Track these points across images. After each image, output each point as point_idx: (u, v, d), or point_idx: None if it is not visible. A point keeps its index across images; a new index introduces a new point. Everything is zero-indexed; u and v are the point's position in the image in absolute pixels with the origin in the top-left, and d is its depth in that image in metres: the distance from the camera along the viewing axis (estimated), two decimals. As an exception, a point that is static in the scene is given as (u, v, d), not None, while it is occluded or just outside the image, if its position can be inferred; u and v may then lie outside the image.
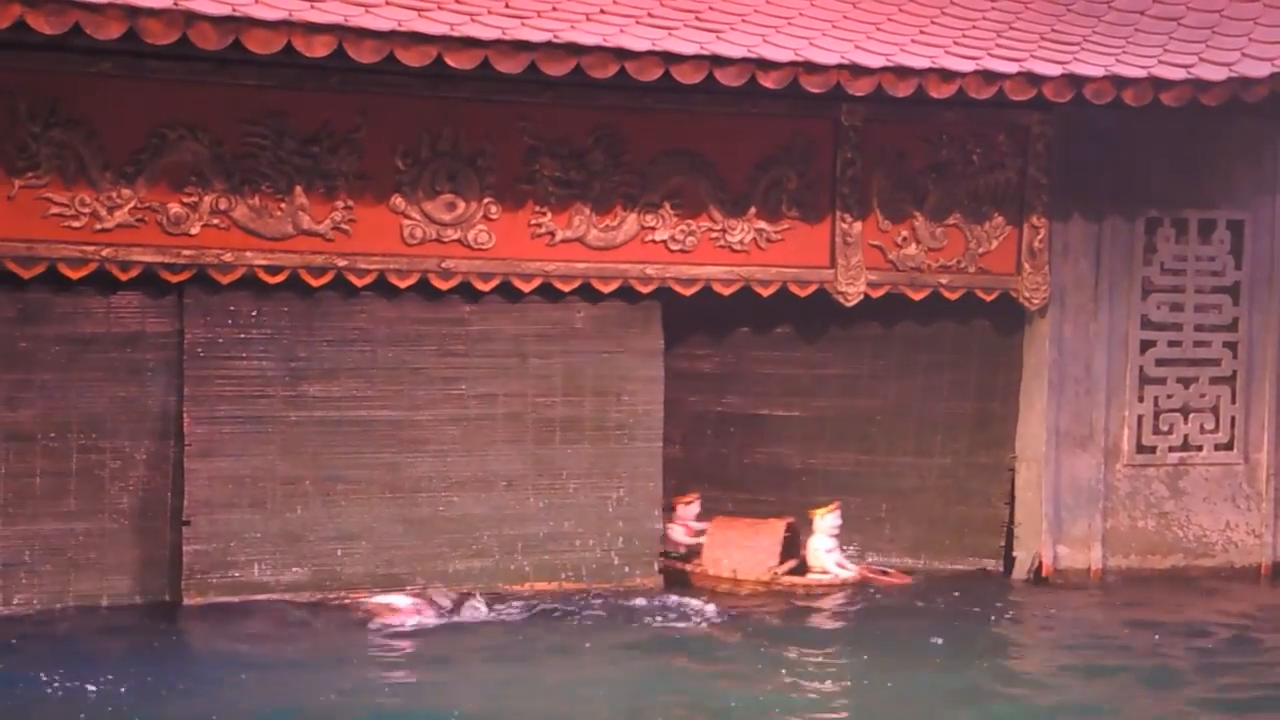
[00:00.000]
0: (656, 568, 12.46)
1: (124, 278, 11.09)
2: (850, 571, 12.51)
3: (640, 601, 11.69)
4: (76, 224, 10.89)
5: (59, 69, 10.71)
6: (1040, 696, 9.73)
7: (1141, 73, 11.78)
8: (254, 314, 11.55)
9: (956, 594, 12.29)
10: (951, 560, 13.19)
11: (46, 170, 10.80)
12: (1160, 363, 13.23)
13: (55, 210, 10.84)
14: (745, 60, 11.14)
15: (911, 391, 13.17)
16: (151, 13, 10.00)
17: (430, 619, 11.26)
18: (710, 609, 11.49)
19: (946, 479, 13.26)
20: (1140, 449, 13.22)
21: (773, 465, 13.15)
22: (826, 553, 12.49)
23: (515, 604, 11.62)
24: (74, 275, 10.97)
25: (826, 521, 12.50)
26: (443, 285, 11.70)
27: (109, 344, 11.34)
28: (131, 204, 10.99)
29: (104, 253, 10.96)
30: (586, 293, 12.08)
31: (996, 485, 13.27)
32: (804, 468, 13.22)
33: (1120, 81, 11.73)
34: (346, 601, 11.51)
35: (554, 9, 11.22)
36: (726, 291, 12.27)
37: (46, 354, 11.21)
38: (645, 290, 12.14)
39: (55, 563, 11.27)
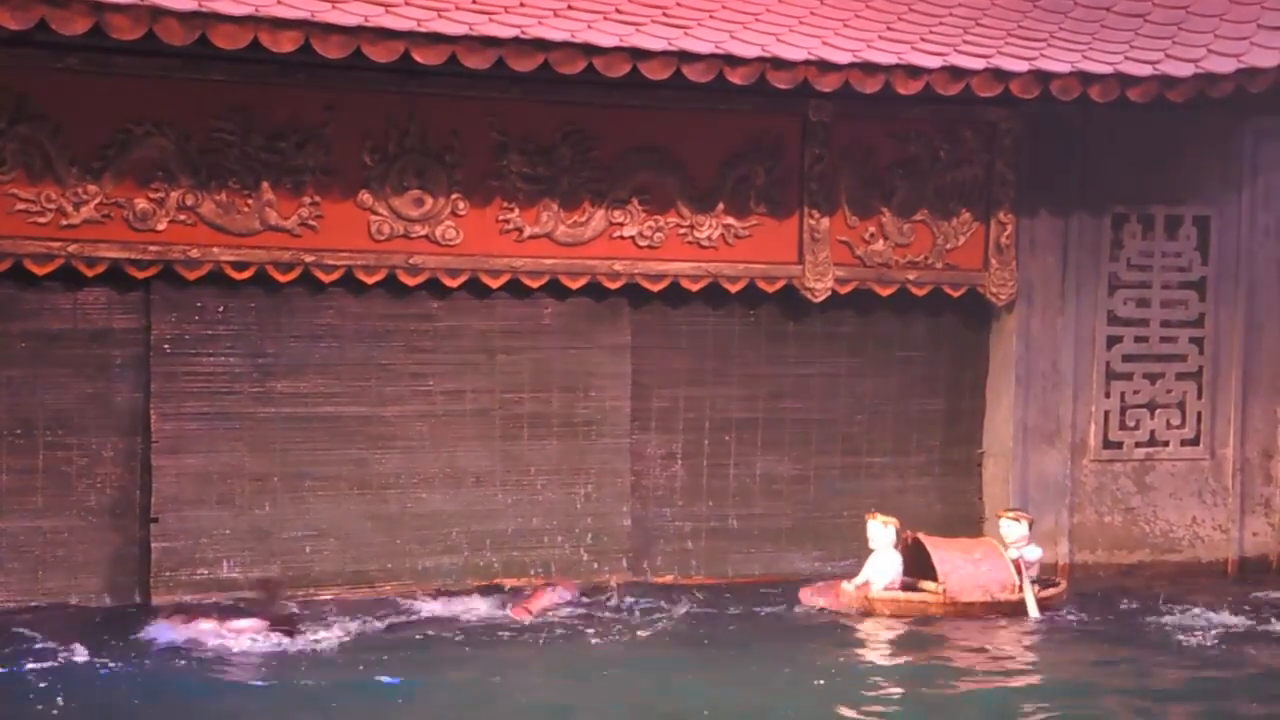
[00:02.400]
0: (624, 563, 12.46)
1: (90, 274, 11.06)
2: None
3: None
4: (42, 220, 10.85)
5: (25, 64, 10.66)
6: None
7: (1108, 69, 11.83)
8: (221, 310, 11.53)
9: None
10: None
11: (12, 166, 10.75)
12: (1127, 358, 13.28)
13: (21, 206, 10.80)
14: (713, 56, 11.15)
15: (887, 389, 13.16)
16: (117, 8, 9.96)
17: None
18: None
19: (924, 477, 13.26)
20: (1107, 444, 13.27)
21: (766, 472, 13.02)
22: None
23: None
24: (40, 271, 10.94)
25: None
26: (410, 281, 11.69)
27: (75, 340, 11.31)
28: (98, 200, 10.95)
29: (70, 249, 10.92)
30: (554, 289, 12.08)
31: (970, 482, 13.31)
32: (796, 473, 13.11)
33: (1086, 78, 11.78)
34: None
35: (521, 4, 11.20)
36: (694, 288, 12.29)
37: (12, 350, 11.16)
38: (613, 286, 12.14)
39: (23, 560, 11.23)
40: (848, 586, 11.68)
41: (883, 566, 11.72)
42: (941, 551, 11.64)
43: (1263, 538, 13.60)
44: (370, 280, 11.61)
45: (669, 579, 12.58)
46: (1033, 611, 11.53)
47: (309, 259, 11.41)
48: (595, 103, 11.78)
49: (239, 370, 11.62)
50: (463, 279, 11.80)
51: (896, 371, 13.14)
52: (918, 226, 12.66)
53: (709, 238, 12.22)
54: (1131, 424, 13.32)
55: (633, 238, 12.07)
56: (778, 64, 11.29)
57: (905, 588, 11.73)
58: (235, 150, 11.19)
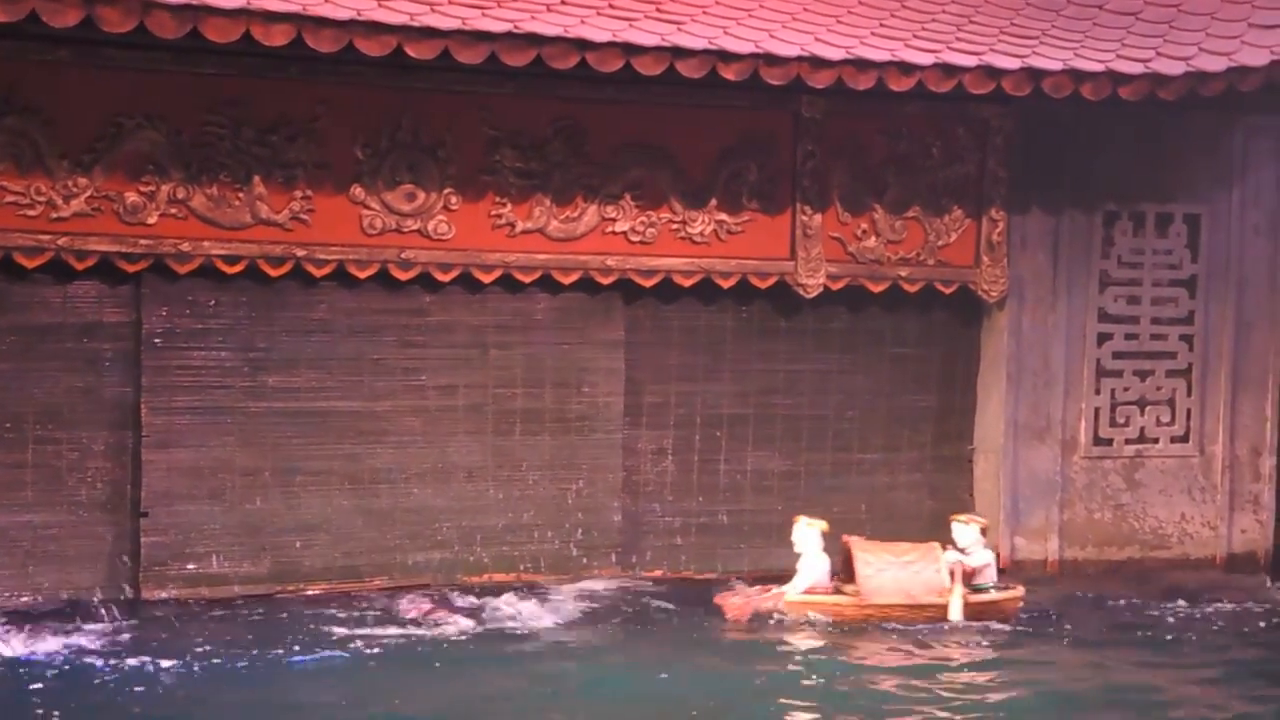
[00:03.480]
0: (614, 558, 12.46)
1: (80, 267, 11.02)
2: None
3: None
4: (32, 213, 10.81)
5: (15, 56, 10.62)
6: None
7: (1100, 67, 11.85)
8: (212, 304, 11.50)
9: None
10: None
11: (1, 159, 10.71)
12: (1117, 355, 13.31)
13: (10, 199, 10.76)
14: (706, 52, 11.15)
15: (879, 386, 13.17)
16: (109, 0, 9.93)
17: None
18: None
19: (915, 473, 13.28)
20: (1097, 441, 13.30)
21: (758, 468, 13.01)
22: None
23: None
24: (29, 264, 10.89)
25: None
26: (402, 276, 11.67)
27: (65, 334, 11.27)
28: (88, 193, 10.91)
29: (60, 242, 10.88)
30: (547, 284, 12.07)
31: (961, 478, 13.33)
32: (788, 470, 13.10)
33: (1079, 75, 11.79)
34: None
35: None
36: (687, 283, 12.28)
37: (2, 344, 11.12)
38: (606, 282, 12.13)
39: (13, 555, 11.19)
40: (794, 592, 11.38)
41: (807, 569, 11.44)
42: (867, 554, 11.32)
43: (1251, 534, 13.64)
44: (362, 275, 11.58)
45: (658, 574, 12.58)
46: (954, 615, 11.20)
47: (300, 253, 11.38)
48: (588, 98, 11.76)
49: (230, 364, 11.59)
50: (455, 274, 11.78)
51: (888, 368, 13.15)
52: (910, 223, 12.66)
53: (702, 234, 12.21)
54: (1122, 421, 13.34)
55: (625, 233, 12.05)
56: (771, 60, 11.28)
57: (836, 592, 11.44)
58: (227, 144, 11.16)
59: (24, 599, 11.11)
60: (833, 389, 13.04)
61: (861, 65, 11.49)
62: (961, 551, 11.50)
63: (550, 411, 12.31)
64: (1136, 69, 11.89)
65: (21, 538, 11.21)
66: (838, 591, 11.43)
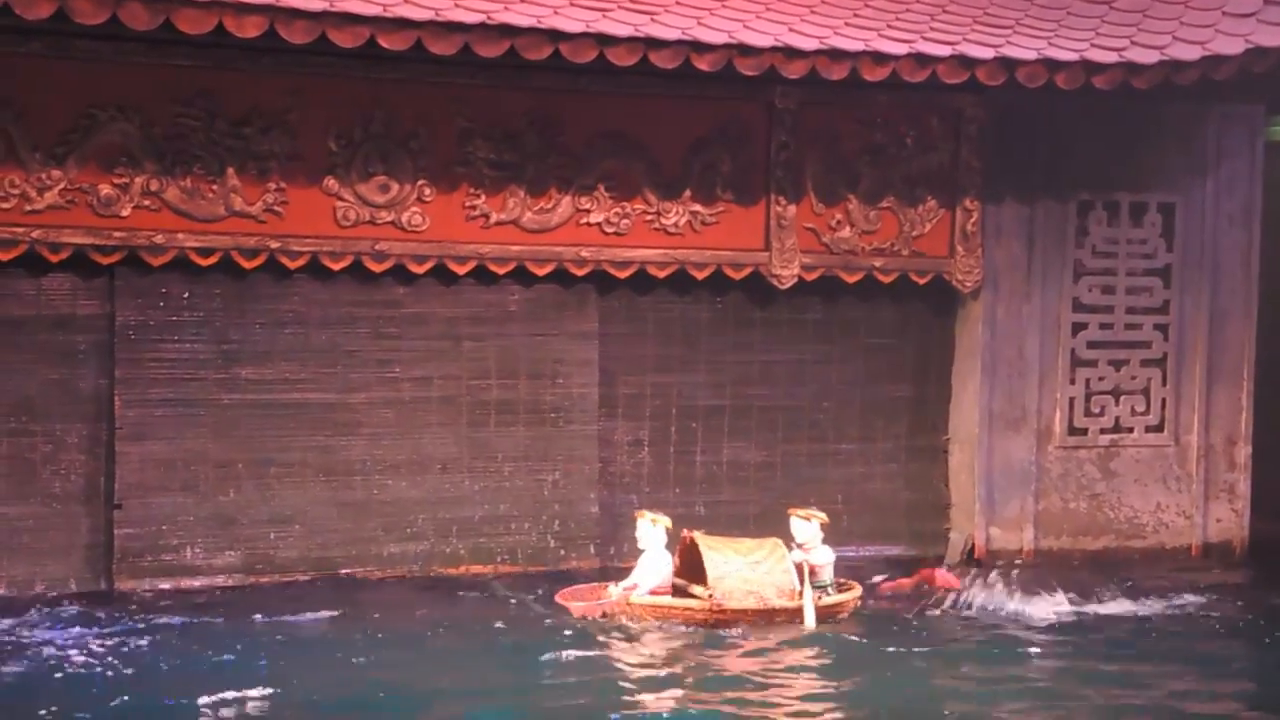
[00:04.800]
0: (592, 549, 12.47)
1: (54, 259, 11.02)
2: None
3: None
4: (6, 205, 10.81)
5: (-13, 49, 10.62)
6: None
7: (1074, 56, 11.86)
8: (186, 296, 11.50)
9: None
10: (904, 546, 13.22)
11: (-26, 151, 10.71)
12: (1092, 345, 13.32)
13: (-16, 191, 10.76)
14: (679, 43, 11.15)
15: (854, 376, 13.18)
16: (81, -8, 9.94)
17: None
18: None
19: (890, 464, 13.29)
20: (1072, 431, 13.31)
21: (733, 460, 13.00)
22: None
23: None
24: (3, 257, 10.89)
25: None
26: (376, 267, 11.66)
27: (39, 326, 11.26)
28: (62, 185, 10.91)
29: (34, 234, 10.87)
30: (521, 275, 12.07)
31: (935, 468, 13.35)
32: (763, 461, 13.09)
33: (1052, 65, 11.80)
34: None
35: (487, -10, 11.20)
36: (661, 274, 12.29)
37: (-25, 336, 11.14)
38: (580, 273, 12.13)
39: (-14, 547, 11.21)
40: (614, 589, 11.03)
41: (651, 568, 11.07)
42: (716, 553, 10.73)
43: (1226, 523, 13.67)
44: (336, 266, 11.58)
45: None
46: (809, 622, 10.63)
47: (274, 245, 11.37)
48: (562, 89, 11.77)
49: (204, 356, 11.59)
50: (429, 265, 11.78)
51: (863, 358, 13.17)
52: (884, 213, 12.67)
53: (676, 225, 12.22)
54: (1096, 410, 13.36)
55: (599, 224, 12.06)
56: (744, 50, 11.29)
57: (676, 591, 10.98)
58: (200, 136, 11.15)
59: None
60: (808, 380, 13.05)
61: (835, 55, 11.50)
62: (801, 548, 11.05)
63: (525, 403, 12.32)
64: (1110, 58, 11.90)
65: (-5, 529, 11.23)
66: (677, 590, 10.94)
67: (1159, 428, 13.49)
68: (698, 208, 12.25)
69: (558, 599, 11.04)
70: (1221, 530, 13.65)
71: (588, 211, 12.02)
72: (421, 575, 11.98)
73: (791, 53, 11.40)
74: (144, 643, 9.94)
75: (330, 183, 11.45)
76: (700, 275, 12.37)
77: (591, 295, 12.37)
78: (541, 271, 12.04)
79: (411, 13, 10.61)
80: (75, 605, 10.86)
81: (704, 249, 12.30)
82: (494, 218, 11.82)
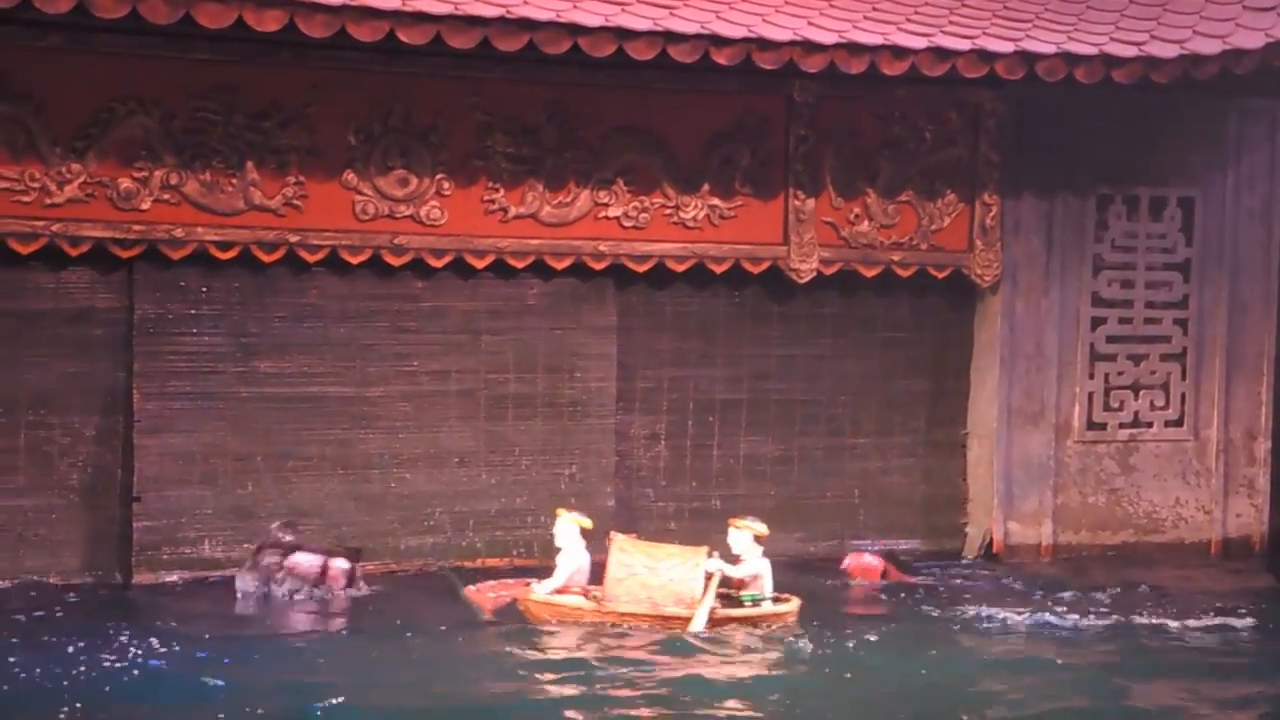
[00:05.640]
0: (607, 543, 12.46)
1: (74, 253, 11.03)
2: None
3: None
4: (26, 199, 10.82)
5: (7, 43, 10.64)
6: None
7: (1093, 50, 11.83)
8: (204, 290, 11.50)
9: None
10: (921, 540, 13.20)
11: (-5, 145, 10.73)
12: (1111, 340, 13.30)
13: (4, 185, 10.77)
14: (698, 36, 11.14)
15: (872, 370, 13.16)
16: (101, -14, 9.95)
17: None
18: None
19: (908, 458, 13.27)
20: (1091, 425, 13.29)
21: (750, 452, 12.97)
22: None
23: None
24: (23, 250, 10.90)
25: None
26: (395, 261, 11.67)
27: (58, 319, 11.28)
28: (81, 179, 10.92)
29: (54, 228, 10.89)
30: (539, 269, 12.06)
31: (954, 463, 13.33)
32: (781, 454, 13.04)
33: (1072, 59, 11.77)
34: None
35: (507, -17, 11.19)
36: (680, 268, 12.28)
37: (-5, 329, 11.15)
38: (598, 267, 12.13)
39: (4, 539, 11.21)
40: (538, 587, 10.65)
41: (563, 567, 10.75)
42: (625, 556, 10.42)
43: (1246, 518, 13.64)
44: (355, 260, 11.59)
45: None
46: (694, 625, 10.21)
47: (293, 239, 11.38)
48: (580, 83, 11.76)
49: (222, 350, 11.60)
50: (447, 259, 11.78)
51: (881, 353, 13.14)
52: (903, 208, 12.65)
53: (694, 218, 12.21)
54: (1115, 405, 13.34)
55: (618, 218, 12.05)
56: (763, 44, 11.28)
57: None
58: (219, 129, 11.16)
59: (12, 583, 11.12)
60: (826, 374, 13.04)
61: (854, 49, 11.48)
62: (735, 558, 10.67)
63: (542, 397, 12.32)
64: (1130, 52, 11.87)
65: (13, 522, 11.24)
66: (585, 594, 10.64)
67: (1178, 422, 13.47)
68: (716, 201, 12.24)
69: (467, 593, 10.83)
70: (1241, 525, 13.62)
71: (606, 205, 12.02)
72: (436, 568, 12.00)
73: (810, 46, 11.39)
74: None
75: (349, 176, 11.45)
76: (718, 269, 12.36)
77: (610, 289, 12.36)
78: (560, 265, 12.04)
79: (431, 6, 10.61)
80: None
81: (722, 243, 12.29)
82: (512, 211, 11.82)
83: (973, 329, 13.24)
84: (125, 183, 11.01)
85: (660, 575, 10.36)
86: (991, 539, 13.08)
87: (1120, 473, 13.37)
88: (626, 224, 12.07)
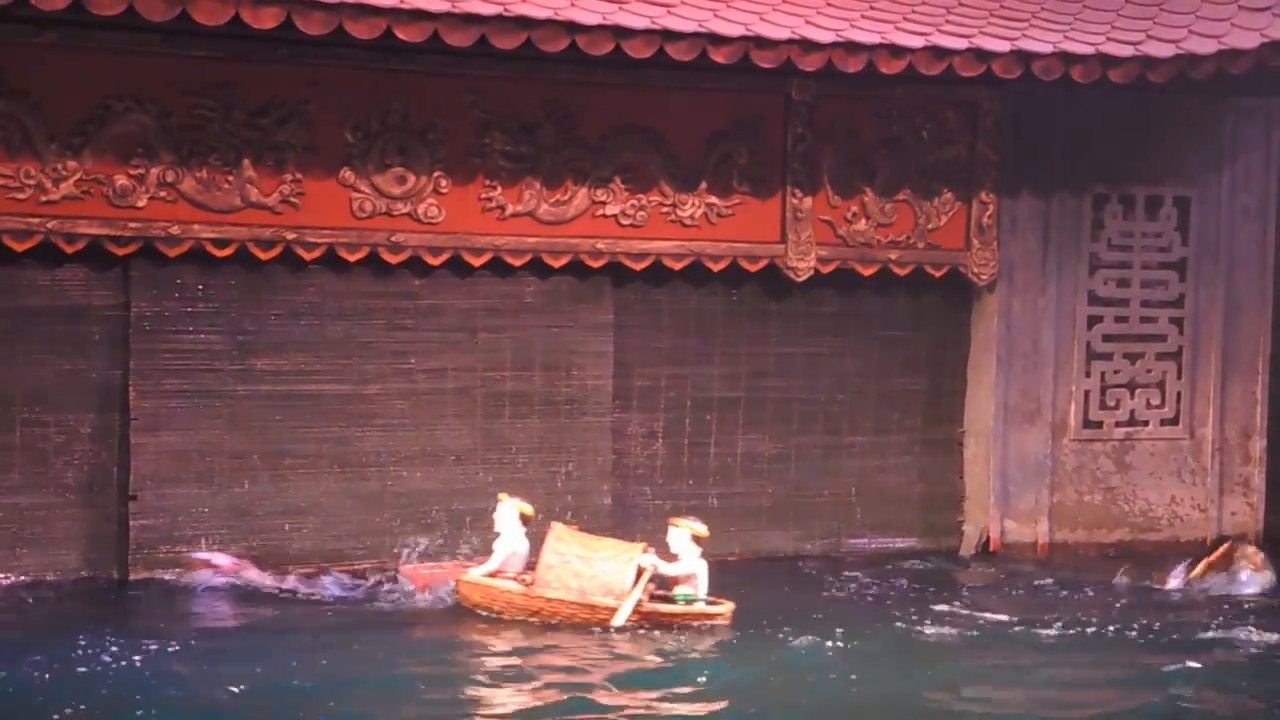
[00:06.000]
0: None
1: (70, 250, 10.99)
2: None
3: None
4: (21, 196, 10.79)
5: (4, 39, 10.61)
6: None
7: (1089, 49, 11.84)
8: (201, 287, 11.48)
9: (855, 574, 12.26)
10: (918, 538, 13.21)
11: (-9, 142, 10.69)
12: (1107, 338, 13.32)
13: (0, 182, 10.72)
14: (696, 35, 11.14)
15: (869, 369, 13.16)
16: (98, -17, 9.93)
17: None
18: None
19: (905, 456, 13.28)
20: (1087, 424, 13.32)
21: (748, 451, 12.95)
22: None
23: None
24: (18, 247, 10.86)
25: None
26: (392, 259, 11.65)
27: (54, 317, 11.25)
28: (77, 176, 10.89)
29: (49, 225, 10.86)
30: (537, 267, 12.05)
31: (950, 461, 13.34)
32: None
33: (1068, 58, 11.79)
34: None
35: (504, -19, 11.18)
36: (677, 266, 12.27)
37: (-10, 326, 11.12)
38: (595, 265, 12.12)
39: (0, 537, 11.17)
40: (474, 573, 10.70)
41: (499, 551, 10.80)
42: (561, 544, 10.46)
43: (1241, 517, 13.67)
44: (352, 258, 11.57)
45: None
46: (616, 619, 10.21)
47: (290, 236, 11.36)
48: (578, 81, 11.75)
49: (219, 348, 11.57)
50: (445, 257, 11.76)
51: (878, 351, 13.15)
52: (900, 206, 12.66)
53: (692, 217, 12.20)
54: (1111, 404, 13.36)
55: (615, 216, 12.04)
56: (761, 43, 11.28)
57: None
58: (216, 127, 11.14)
59: (9, 580, 11.10)
60: (823, 372, 13.04)
61: (852, 48, 11.49)
62: (673, 557, 10.62)
63: (539, 395, 12.30)
64: (1126, 51, 11.90)
65: (9, 520, 11.21)
66: (519, 579, 10.65)
67: (1174, 421, 13.49)
68: (714, 200, 12.24)
69: (401, 570, 10.97)
70: (1236, 524, 13.64)
71: (604, 203, 12.01)
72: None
73: (808, 45, 11.40)
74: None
75: (347, 174, 11.43)
76: (716, 267, 12.36)
77: (607, 287, 12.35)
78: (557, 263, 12.03)
79: (428, 4, 10.59)
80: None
81: (720, 241, 12.29)
82: (510, 209, 11.81)
83: (969, 327, 13.25)
84: (121, 180, 10.98)
85: (593, 566, 10.39)
86: (988, 537, 13.09)
87: (1116, 471, 13.39)
88: (624, 222, 12.06)
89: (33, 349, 11.23)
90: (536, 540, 10.85)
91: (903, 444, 13.26)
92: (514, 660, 9.82)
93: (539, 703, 8.85)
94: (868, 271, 12.68)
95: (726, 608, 10.59)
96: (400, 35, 10.58)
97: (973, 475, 13.25)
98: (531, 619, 10.46)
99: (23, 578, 11.16)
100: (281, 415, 11.72)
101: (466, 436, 12.17)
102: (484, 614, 10.57)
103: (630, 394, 12.61)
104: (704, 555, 10.75)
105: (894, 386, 13.20)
